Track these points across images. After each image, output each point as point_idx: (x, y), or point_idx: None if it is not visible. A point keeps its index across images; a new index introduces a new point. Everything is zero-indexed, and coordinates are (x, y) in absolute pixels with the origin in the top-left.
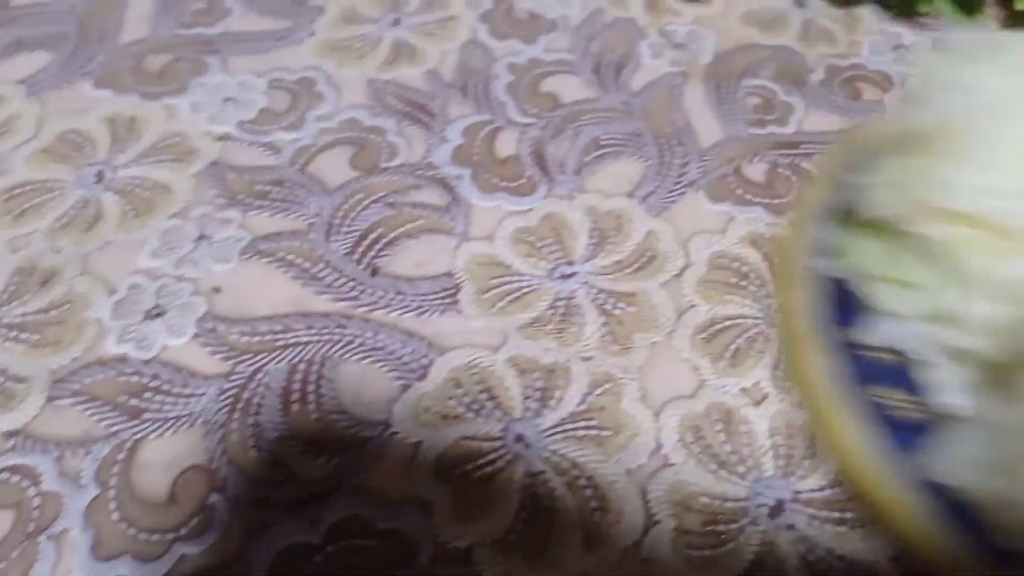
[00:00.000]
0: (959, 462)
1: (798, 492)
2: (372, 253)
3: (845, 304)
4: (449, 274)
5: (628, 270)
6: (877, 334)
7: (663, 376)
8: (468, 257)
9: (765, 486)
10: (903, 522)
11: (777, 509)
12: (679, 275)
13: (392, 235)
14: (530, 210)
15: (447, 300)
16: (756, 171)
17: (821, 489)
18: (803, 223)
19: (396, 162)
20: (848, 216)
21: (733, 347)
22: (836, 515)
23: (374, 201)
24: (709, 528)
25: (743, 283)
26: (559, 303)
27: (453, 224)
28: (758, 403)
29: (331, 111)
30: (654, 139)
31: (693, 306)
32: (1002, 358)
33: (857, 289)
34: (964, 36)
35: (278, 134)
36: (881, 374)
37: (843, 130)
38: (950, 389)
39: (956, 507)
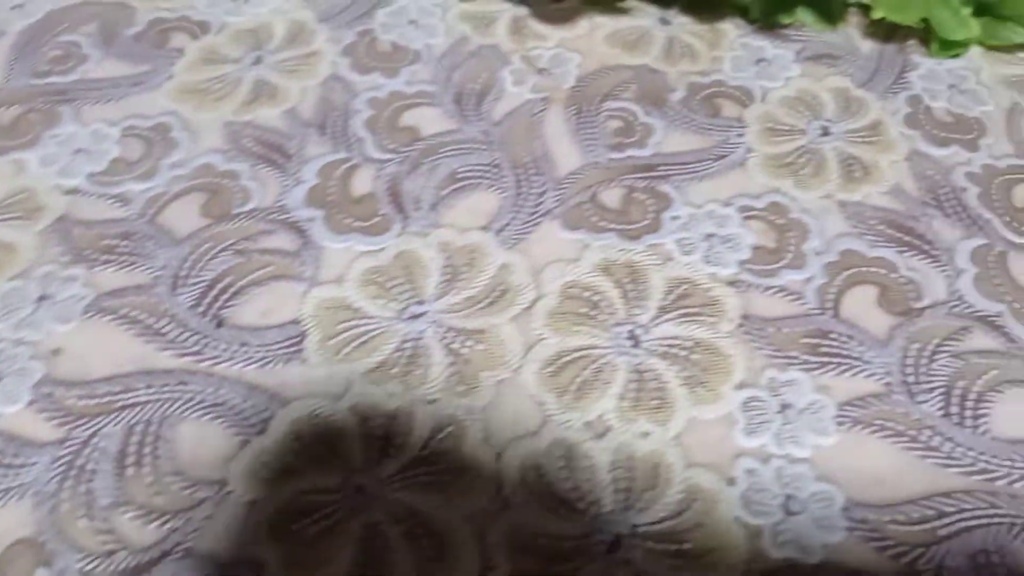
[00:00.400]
0: None
1: (636, 526)
2: (219, 304)
3: None
4: (296, 321)
5: (479, 306)
6: None
7: (508, 415)
8: (316, 302)
9: (604, 521)
10: None
11: (615, 545)
12: (530, 308)
13: (240, 284)
14: (382, 249)
15: (292, 349)
16: (612, 197)
17: (659, 521)
18: None
19: (248, 207)
20: None
21: (579, 379)
22: (673, 547)
23: (223, 250)
24: (546, 570)
25: (593, 312)
26: (406, 345)
27: (303, 269)
28: (601, 436)
29: (185, 157)
30: (512, 169)
31: (542, 339)
32: None
33: None
34: None
35: (129, 185)
36: None
37: None
38: None
39: None
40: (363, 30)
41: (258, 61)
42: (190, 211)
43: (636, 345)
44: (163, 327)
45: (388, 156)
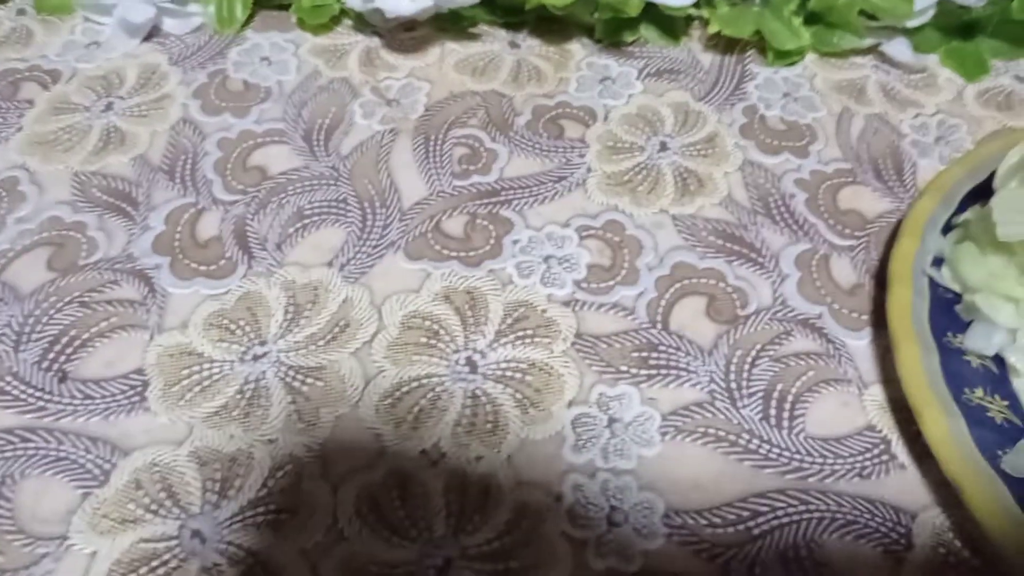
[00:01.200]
0: None
1: (466, 548)
2: (63, 359)
3: (949, 310)
4: (139, 371)
5: (320, 343)
6: (977, 341)
7: (345, 449)
8: (160, 350)
9: (436, 546)
10: (988, 513)
11: (444, 568)
12: (370, 341)
13: (84, 336)
14: (227, 292)
15: (135, 398)
16: (454, 225)
17: (489, 542)
18: (918, 230)
19: (95, 258)
20: (960, 229)
21: (416, 408)
22: (500, 566)
23: (67, 303)
24: None
25: (433, 341)
26: (247, 387)
27: (147, 317)
28: (435, 463)
29: (32, 211)
30: (359, 203)
31: (382, 372)
32: None
33: (962, 300)
34: None
35: None
36: (979, 378)
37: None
38: None
39: None
40: (215, 70)
41: (108, 108)
42: (36, 266)
43: (473, 371)
44: (5, 386)
45: (235, 197)
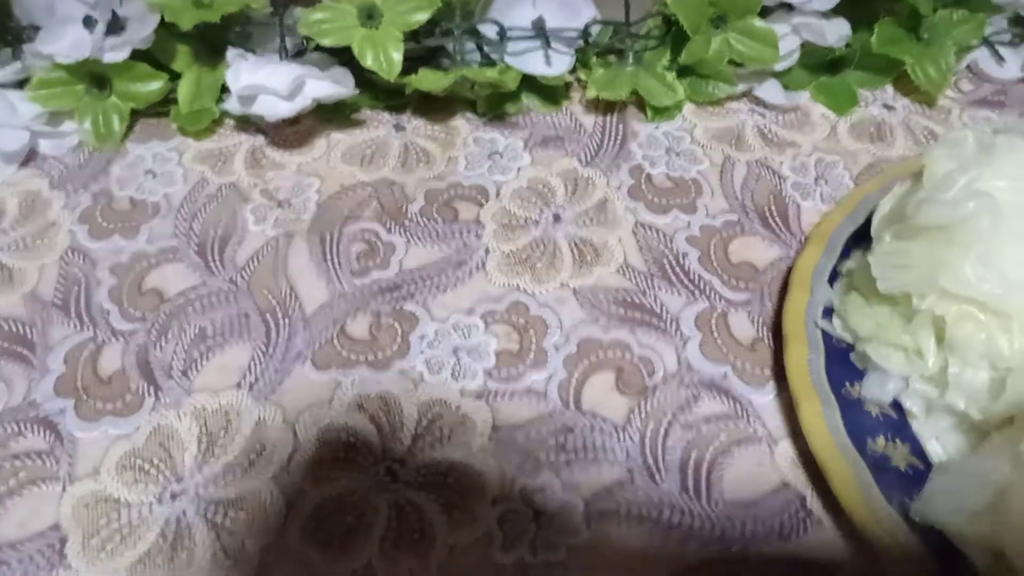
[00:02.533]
0: (944, 507)
1: None
2: None
3: (845, 360)
4: (55, 526)
5: (238, 472)
6: (873, 389)
7: None
8: (74, 501)
9: None
10: (898, 561)
11: None
12: (287, 464)
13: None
14: (136, 429)
15: (53, 558)
16: (360, 327)
17: None
18: (806, 282)
19: None
20: (845, 279)
21: (342, 528)
22: None
23: None
24: None
25: (351, 454)
26: (168, 529)
27: (57, 468)
28: None
29: None
30: (260, 316)
31: (303, 492)
32: (980, 417)
33: (855, 349)
34: (970, 135)
35: None
36: (879, 427)
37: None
38: (936, 441)
39: (944, 547)
40: (99, 190)
41: None
42: None
43: (395, 480)
44: None
45: (134, 326)
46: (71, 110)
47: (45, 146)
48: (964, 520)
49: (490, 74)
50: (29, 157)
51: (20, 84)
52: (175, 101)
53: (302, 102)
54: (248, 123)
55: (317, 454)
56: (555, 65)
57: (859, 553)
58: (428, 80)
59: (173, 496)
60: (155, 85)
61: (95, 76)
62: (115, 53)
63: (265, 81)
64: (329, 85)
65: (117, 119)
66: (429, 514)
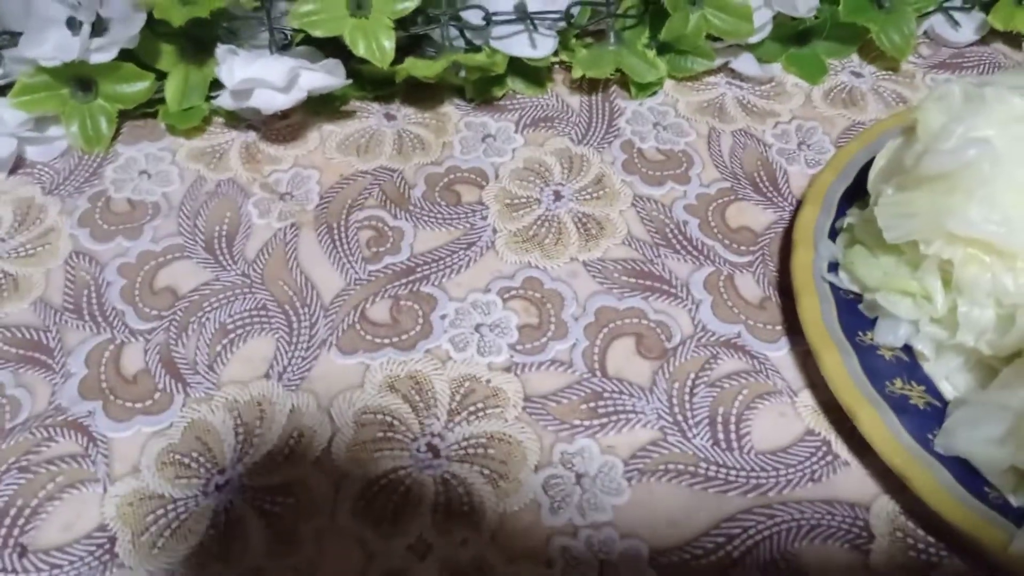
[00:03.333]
0: (966, 437)
1: None
2: (16, 532)
3: (854, 310)
4: (102, 527)
5: (279, 459)
6: (886, 336)
7: (333, 562)
8: (117, 501)
9: None
10: (934, 496)
11: None
12: (328, 448)
13: (34, 503)
14: (170, 426)
15: (106, 557)
16: (380, 311)
17: None
18: (809, 240)
19: (21, 418)
20: (846, 233)
21: (392, 507)
22: None
23: (5, 471)
24: None
25: (390, 433)
26: (218, 520)
27: (95, 469)
28: (423, 556)
29: None
30: (279, 307)
31: (347, 474)
32: (990, 352)
33: (863, 299)
34: (957, 88)
35: None
36: (894, 369)
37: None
38: (950, 379)
39: (969, 475)
40: (95, 193)
41: None
42: None
43: (436, 456)
44: None
45: (152, 324)
46: (57, 115)
47: (32, 152)
48: (986, 447)
49: (479, 58)
50: (17, 164)
51: (2, 91)
52: (162, 101)
53: (297, 94)
54: (237, 120)
55: (356, 436)
56: (540, 47)
57: (887, 487)
58: (420, 67)
59: (218, 488)
60: (142, 85)
61: (79, 79)
62: (102, 54)
63: (261, 74)
64: (323, 76)
65: (105, 121)
66: (475, 485)
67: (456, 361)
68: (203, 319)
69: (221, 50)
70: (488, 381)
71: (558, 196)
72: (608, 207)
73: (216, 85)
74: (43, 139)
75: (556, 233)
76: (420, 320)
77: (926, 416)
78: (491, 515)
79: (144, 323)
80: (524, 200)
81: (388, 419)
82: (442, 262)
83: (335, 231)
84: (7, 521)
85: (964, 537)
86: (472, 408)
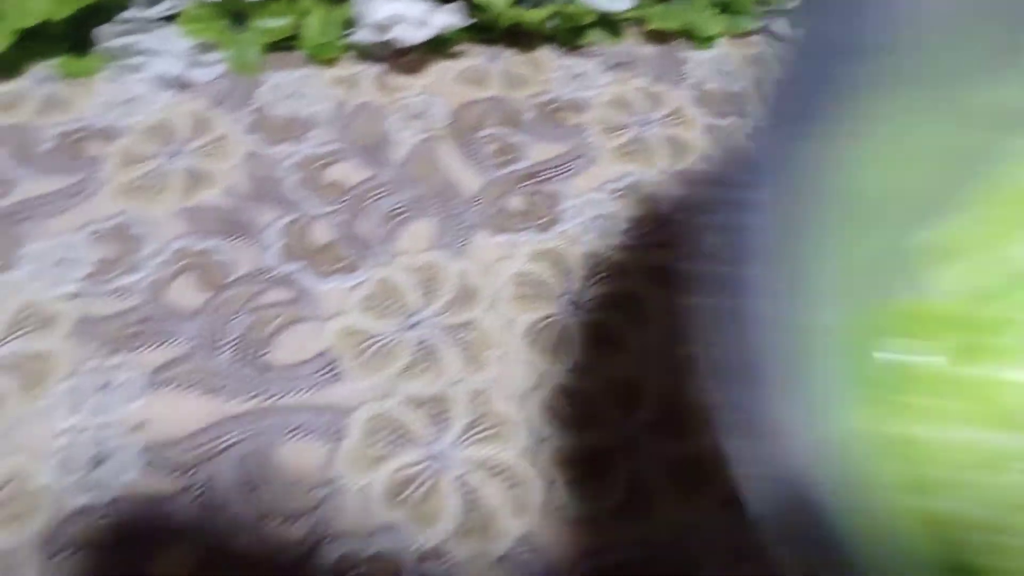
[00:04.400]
0: None
1: None
2: (255, 352)
3: None
4: (323, 352)
5: (457, 305)
6: None
7: (505, 385)
8: (334, 333)
9: None
10: None
11: None
12: (496, 298)
13: (266, 334)
14: (364, 280)
15: (331, 372)
16: (516, 203)
17: None
18: None
19: (238, 274)
20: None
21: (554, 339)
22: None
23: (235, 313)
24: None
25: (539, 291)
26: (421, 349)
27: (309, 310)
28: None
29: (158, 247)
30: (432, 199)
31: (513, 320)
32: None
33: None
34: None
35: (122, 279)
36: None
37: None
38: None
39: None
40: (253, 108)
41: (176, 154)
42: (187, 290)
43: (578, 308)
44: (219, 383)
45: (331, 208)
46: (215, 42)
47: (196, 74)
48: None
49: (573, 8)
50: (183, 83)
51: (169, 20)
52: (300, 36)
53: (429, 31)
54: (366, 54)
55: (516, 292)
56: (619, 2)
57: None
58: (527, 15)
59: (413, 327)
60: (286, 20)
61: (236, 12)
62: None
63: (404, 11)
64: (453, 16)
65: (255, 50)
66: (616, 326)
67: (584, 242)
68: (371, 206)
69: None
70: (608, 256)
71: (648, 122)
72: (687, 132)
73: (347, 24)
74: (203, 62)
75: (651, 150)
76: (550, 211)
77: None
78: (633, 344)
79: (323, 207)
80: (620, 124)
81: (539, 279)
82: (560, 168)
83: (466, 144)
84: (248, 348)
85: None
86: (602, 276)
